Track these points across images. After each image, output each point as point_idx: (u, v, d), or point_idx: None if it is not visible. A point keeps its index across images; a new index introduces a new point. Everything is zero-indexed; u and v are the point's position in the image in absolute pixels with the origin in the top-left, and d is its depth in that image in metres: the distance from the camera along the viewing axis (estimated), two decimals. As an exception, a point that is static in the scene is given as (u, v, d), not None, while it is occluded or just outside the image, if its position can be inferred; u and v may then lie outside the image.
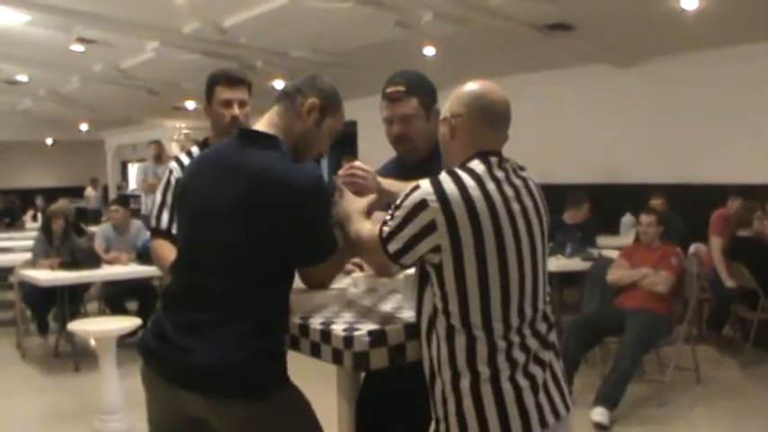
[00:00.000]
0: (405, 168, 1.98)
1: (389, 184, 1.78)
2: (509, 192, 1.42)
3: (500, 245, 1.38)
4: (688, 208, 5.51)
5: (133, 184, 14.75)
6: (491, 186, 1.40)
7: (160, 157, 7.65)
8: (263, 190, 1.49)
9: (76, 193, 13.62)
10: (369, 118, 4.28)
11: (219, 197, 1.52)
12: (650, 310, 3.84)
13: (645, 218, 4.17)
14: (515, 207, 1.41)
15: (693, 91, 6.35)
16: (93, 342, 3.80)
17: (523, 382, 1.39)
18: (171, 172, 2.17)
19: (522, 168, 1.51)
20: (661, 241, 4.14)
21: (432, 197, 1.38)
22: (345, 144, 6.73)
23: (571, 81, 7.23)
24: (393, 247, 1.43)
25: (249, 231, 1.48)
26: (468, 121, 1.49)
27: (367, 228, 1.55)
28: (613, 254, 4.51)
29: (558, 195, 5.51)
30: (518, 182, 1.45)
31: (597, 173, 6.99)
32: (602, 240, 5.40)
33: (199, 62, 6.74)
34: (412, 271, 1.67)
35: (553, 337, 1.48)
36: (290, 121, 1.61)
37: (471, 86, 1.53)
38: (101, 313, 5.36)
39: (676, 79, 6.48)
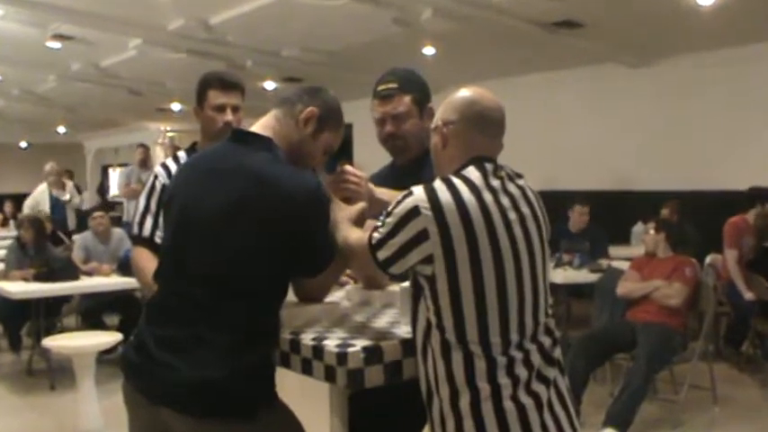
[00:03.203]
0: (398, 173, 1.99)
1: (382, 192, 1.78)
2: (505, 201, 1.43)
3: (496, 255, 1.38)
4: (703, 216, 5.53)
5: (115, 189, 14.75)
6: (487, 195, 1.41)
7: (146, 161, 7.66)
8: (260, 194, 1.49)
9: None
10: (365, 121, 4.28)
11: (210, 201, 1.53)
12: (663, 324, 3.85)
13: (647, 226, 4.21)
14: (512, 216, 1.42)
15: (709, 92, 6.38)
16: (70, 359, 3.79)
17: (527, 401, 1.38)
18: (156, 177, 2.18)
19: (519, 176, 1.52)
20: (674, 251, 4.16)
21: (424, 204, 1.39)
22: (340, 148, 6.72)
23: (578, 82, 7.26)
24: (383, 254, 1.44)
25: (241, 237, 1.49)
26: (460, 128, 1.50)
27: (355, 234, 1.56)
28: (624, 265, 4.52)
29: (562, 203, 5.52)
30: (515, 190, 1.46)
31: (605, 179, 7.02)
32: (611, 251, 5.42)
33: (184, 61, 6.76)
34: (408, 283, 1.67)
35: (558, 353, 1.48)
36: (286, 128, 1.62)
37: (463, 93, 1.55)
38: (79, 328, 5.35)
39: (691, 80, 6.51)
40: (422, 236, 1.38)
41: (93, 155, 15.18)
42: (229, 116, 2.10)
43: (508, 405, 1.37)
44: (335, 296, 1.92)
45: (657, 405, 4.08)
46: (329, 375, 1.44)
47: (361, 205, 1.68)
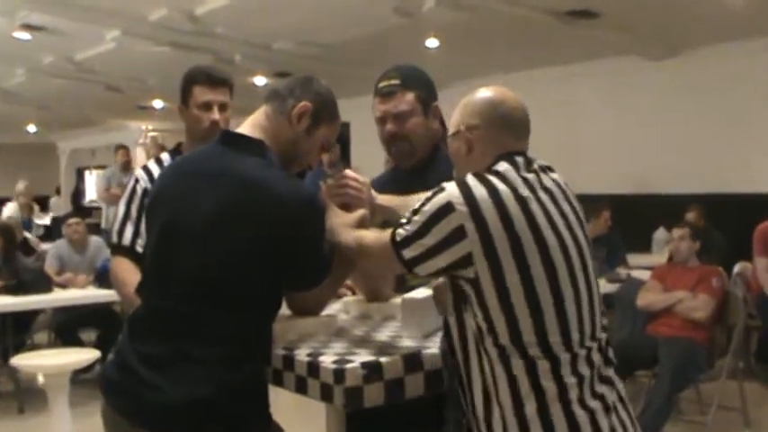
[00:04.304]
0: (401, 177, 2.00)
1: (385, 199, 1.79)
2: (543, 195, 1.45)
3: (543, 250, 1.39)
4: (730, 222, 5.55)
5: (92, 194, 14.77)
6: (524, 189, 1.42)
7: (127, 163, 7.69)
8: (251, 199, 1.51)
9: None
10: (363, 120, 4.29)
11: (197, 207, 1.54)
12: (687, 339, 3.85)
13: (677, 231, 4.20)
14: (552, 209, 1.44)
15: (738, 86, 6.39)
16: (41, 379, 3.80)
17: (594, 404, 1.40)
18: (137, 181, 2.19)
19: (550, 169, 1.54)
20: (699, 260, 4.16)
21: (459, 200, 1.40)
22: (342, 152, 6.76)
23: (595, 76, 7.28)
24: (410, 253, 1.45)
25: (232, 243, 1.50)
26: (486, 132, 1.52)
27: (371, 234, 1.57)
28: (644, 274, 4.53)
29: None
30: (551, 184, 1.49)
31: (624, 182, 7.03)
32: (631, 259, 5.43)
33: (167, 55, 6.79)
34: (411, 294, 1.69)
35: (611, 352, 1.51)
36: (278, 126, 1.63)
37: (484, 93, 1.57)
38: (51, 345, 5.35)
39: (717, 73, 6.52)
40: (457, 234, 1.39)
41: (68, 156, 15.19)
42: (216, 115, 2.11)
43: (578, 410, 1.38)
44: (332, 308, 1.94)
45: (683, 427, 4.07)
46: (325, 394, 1.45)
47: (361, 212, 1.68)
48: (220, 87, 2.14)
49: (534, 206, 1.42)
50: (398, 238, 1.46)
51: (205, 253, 1.52)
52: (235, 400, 1.48)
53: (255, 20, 6.10)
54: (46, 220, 8.03)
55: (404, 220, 1.47)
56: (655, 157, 6.92)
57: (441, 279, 1.58)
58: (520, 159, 1.49)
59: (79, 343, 5.01)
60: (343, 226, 1.64)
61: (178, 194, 1.60)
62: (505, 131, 1.52)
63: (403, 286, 2.05)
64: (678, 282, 4.07)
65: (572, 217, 1.48)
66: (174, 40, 6.57)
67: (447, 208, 1.40)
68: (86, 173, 15.88)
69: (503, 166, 1.46)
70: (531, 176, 1.46)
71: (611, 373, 1.48)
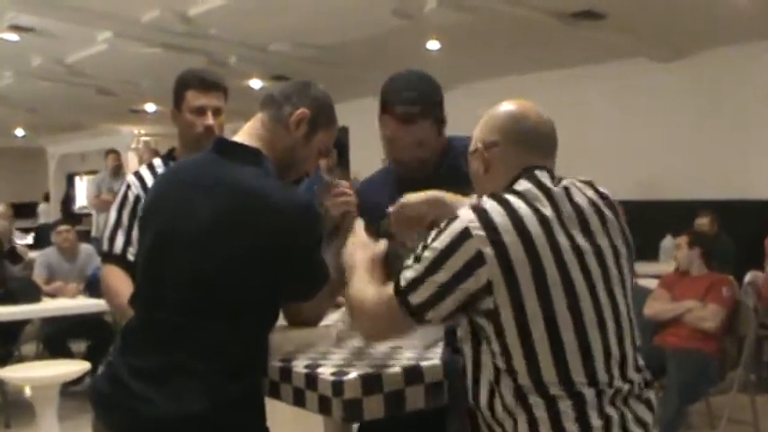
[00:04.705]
0: (404, 172, 1.99)
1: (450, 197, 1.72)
2: (568, 212, 1.38)
3: (564, 276, 1.33)
4: (741, 229, 5.55)
5: (82, 200, 14.78)
6: (546, 209, 1.36)
7: (119, 169, 7.70)
8: (248, 208, 1.52)
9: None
10: (362, 123, 4.31)
11: (193, 216, 1.54)
12: (696, 350, 3.85)
13: (679, 239, 4.22)
14: (575, 229, 1.37)
15: (748, 89, 6.40)
16: (28, 392, 3.79)
17: None
18: (129, 187, 2.19)
19: (587, 184, 1.47)
20: (709, 268, 4.17)
21: (475, 224, 1.33)
22: (339, 157, 6.78)
23: (600, 79, 7.30)
24: (417, 298, 1.36)
25: (229, 251, 1.51)
26: (505, 150, 1.46)
27: (372, 291, 1.46)
28: (652, 283, 4.53)
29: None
30: (582, 201, 1.42)
31: (631, 188, 7.03)
32: (638, 267, 5.40)
33: (160, 57, 6.80)
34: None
35: (650, 393, 1.43)
36: (275, 134, 1.63)
37: (505, 108, 1.50)
38: (40, 356, 5.34)
39: (726, 75, 6.53)
40: (475, 262, 1.32)
41: (57, 161, 15.20)
42: (210, 120, 2.12)
43: None
44: (330, 318, 1.94)
45: (692, 441, 4.07)
46: (324, 406, 1.46)
47: (383, 244, 1.63)
48: (214, 91, 2.15)
49: (557, 226, 1.35)
50: (403, 284, 1.37)
51: (201, 262, 1.53)
52: (231, 414, 1.48)
53: (251, 21, 6.12)
54: (28, 239, 7.98)
55: (409, 261, 1.39)
56: (662, 162, 6.93)
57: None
58: (543, 175, 1.42)
59: (68, 354, 5.00)
60: (364, 266, 1.55)
61: (173, 204, 1.61)
62: (527, 150, 1.45)
63: None
64: (687, 291, 4.07)
65: (603, 241, 1.40)
66: (167, 42, 6.59)
67: (463, 235, 1.33)
68: (76, 178, 15.90)
69: (523, 185, 1.40)
70: (557, 191, 1.40)
71: (648, 416, 1.38)
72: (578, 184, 1.45)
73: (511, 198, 1.37)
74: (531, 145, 1.46)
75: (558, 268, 1.33)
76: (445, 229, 1.36)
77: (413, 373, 1.50)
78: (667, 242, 6.14)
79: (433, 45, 6.55)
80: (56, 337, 5.21)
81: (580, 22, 5.81)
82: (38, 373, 3.80)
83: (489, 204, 1.37)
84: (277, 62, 7.28)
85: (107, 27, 6.50)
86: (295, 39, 6.71)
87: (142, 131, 12.08)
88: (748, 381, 4.21)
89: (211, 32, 6.45)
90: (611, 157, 7.22)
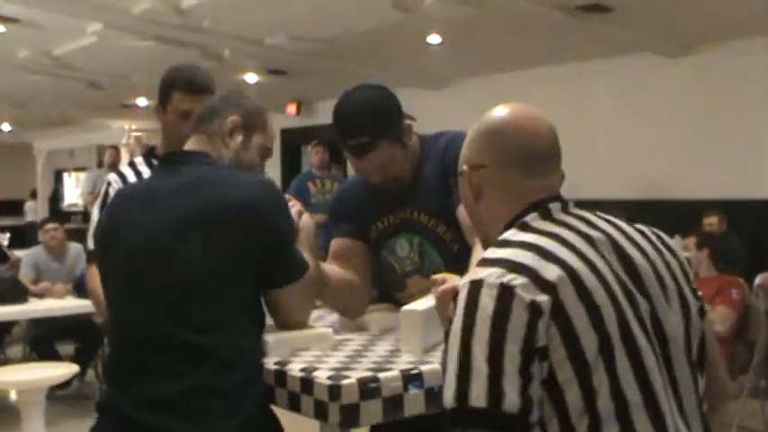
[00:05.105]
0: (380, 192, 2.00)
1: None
2: (602, 246, 1.18)
3: (624, 329, 1.11)
4: (751, 229, 5.55)
5: (71, 197, 14.77)
6: (583, 247, 1.15)
7: (116, 164, 7.71)
8: (213, 198, 1.56)
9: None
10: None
11: (158, 228, 1.56)
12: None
13: (687, 241, 4.22)
14: (617, 264, 1.17)
15: (757, 85, 6.40)
16: (14, 395, 3.79)
17: None
18: (109, 184, 2.25)
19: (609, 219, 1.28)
20: (718, 270, 4.17)
21: (508, 276, 1.09)
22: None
23: (606, 75, 7.31)
24: (510, 404, 1.03)
25: (214, 249, 1.52)
26: (495, 174, 1.27)
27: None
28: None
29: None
30: (611, 229, 1.23)
31: (637, 186, 7.04)
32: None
33: (152, 50, 6.79)
34: (411, 306, 1.69)
35: None
36: (215, 147, 1.71)
37: (492, 121, 1.30)
38: (26, 359, 5.34)
39: (737, 71, 6.53)
40: (534, 315, 1.06)
41: (45, 157, 15.20)
42: None
43: None
44: (327, 320, 1.94)
45: (700, 449, 4.06)
46: (320, 411, 1.46)
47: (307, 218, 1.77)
48: (201, 96, 2.15)
49: (602, 265, 1.14)
50: (477, 403, 1.04)
51: (175, 274, 1.53)
52: (254, 425, 1.51)
53: (246, 13, 6.11)
54: (3, 240, 8.01)
55: (451, 374, 1.10)
56: (670, 160, 6.93)
57: (446, 285, 1.56)
58: (555, 206, 1.24)
59: (56, 357, 5.00)
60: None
61: (133, 222, 1.62)
62: (521, 170, 1.25)
63: (392, 299, 2.07)
64: (695, 293, 4.07)
65: (645, 268, 1.20)
66: (160, 35, 6.58)
67: (505, 293, 1.07)
68: (65, 175, 15.89)
69: (535, 220, 1.21)
70: (583, 227, 1.20)
71: None
72: (598, 214, 1.27)
73: (529, 237, 1.17)
74: (525, 165, 1.26)
75: (615, 311, 1.12)
76: (473, 301, 1.09)
77: (412, 377, 1.50)
78: (675, 243, 6.14)
79: (433, 39, 6.54)
80: (43, 339, 5.21)
81: (586, 15, 5.81)
82: (24, 377, 3.80)
83: (506, 252, 1.14)
84: (273, 56, 7.28)
85: (97, 18, 6.48)
86: (292, 32, 6.70)
87: (134, 127, 12.05)
88: (758, 387, 4.22)
89: (205, 25, 6.44)
90: (618, 154, 7.22)
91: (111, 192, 2.20)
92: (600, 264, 1.15)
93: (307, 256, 1.72)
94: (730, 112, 6.60)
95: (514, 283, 1.08)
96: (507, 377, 1.04)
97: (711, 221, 5.57)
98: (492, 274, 1.10)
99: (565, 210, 1.25)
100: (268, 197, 1.61)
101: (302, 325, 1.73)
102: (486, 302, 1.08)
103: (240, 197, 1.56)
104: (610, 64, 7.18)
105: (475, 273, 1.13)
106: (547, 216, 1.23)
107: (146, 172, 2.23)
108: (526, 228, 1.21)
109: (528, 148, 1.26)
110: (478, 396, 1.05)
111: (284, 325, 1.71)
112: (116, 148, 8.14)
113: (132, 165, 2.28)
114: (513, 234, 1.20)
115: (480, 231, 1.37)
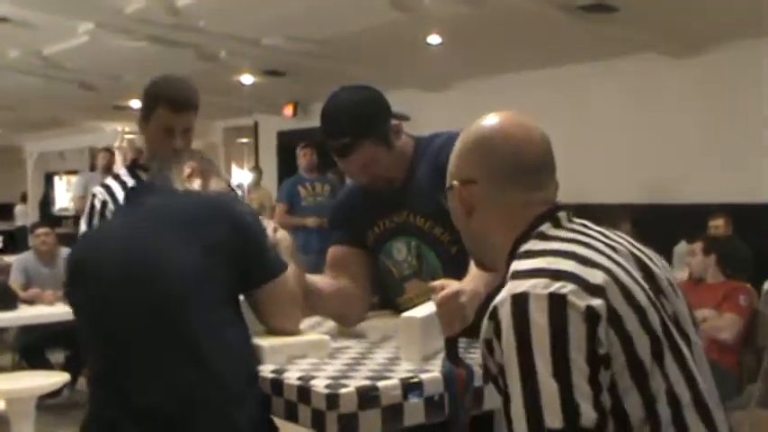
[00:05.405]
0: (376, 188, 2.01)
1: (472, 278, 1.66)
2: (623, 252, 1.19)
3: (664, 327, 1.12)
4: (760, 233, 5.55)
5: (62, 201, 14.76)
6: (611, 252, 1.16)
7: (110, 168, 7.69)
8: (193, 202, 1.68)
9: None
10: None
11: (141, 233, 1.62)
12: (712, 362, 3.81)
13: (694, 246, 4.22)
14: (638, 271, 1.17)
15: (765, 86, 6.40)
16: (3, 405, 3.78)
17: None
18: (94, 196, 2.29)
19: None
20: (725, 275, 4.17)
21: (555, 285, 1.05)
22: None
23: (611, 76, 7.31)
24: (587, 419, 1.00)
25: (193, 249, 1.56)
26: (486, 189, 1.23)
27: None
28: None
29: (591, 218, 5.54)
30: (615, 236, 1.24)
31: (642, 190, 7.05)
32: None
33: (145, 50, 6.80)
34: (411, 313, 1.69)
35: None
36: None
37: (480, 132, 1.26)
38: (15, 367, 5.33)
39: (744, 72, 6.53)
40: (592, 321, 1.03)
41: (35, 160, 15.22)
42: (178, 142, 2.16)
43: None
44: (325, 327, 1.94)
45: (707, 459, 4.06)
46: (317, 421, 1.46)
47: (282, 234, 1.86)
48: (184, 112, 2.18)
49: (631, 269, 1.15)
50: (554, 425, 0.99)
51: (156, 282, 1.55)
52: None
53: (242, 12, 6.11)
54: None
55: (517, 395, 1.03)
56: (676, 164, 6.93)
57: (446, 291, 1.56)
58: (564, 216, 1.22)
59: (46, 364, 5.00)
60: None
61: (102, 255, 1.64)
62: (513, 184, 1.22)
63: (392, 304, 2.07)
64: (701, 299, 4.07)
65: (662, 281, 1.21)
66: (154, 35, 6.59)
67: (556, 304, 1.03)
68: (56, 178, 15.89)
69: (549, 229, 1.19)
70: (599, 238, 1.18)
71: None
72: (602, 228, 1.26)
73: (558, 246, 1.15)
74: (518, 178, 1.22)
75: (657, 319, 1.12)
76: (518, 324, 1.04)
77: (412, 386, 1.50)
78: (681, 248, 6.14)
79: (433, 39, 6.54)
80: (33, 347, 5.20)
81: (590, 15, 5.81)
82: (13, 385, 3.79)
83: (540, 262, 1.11)
84: (270, 56, 7.28)
85: (89, 17, 6.48)
86: (288, 32, 6.71)
87: (127, 129, 12.06)
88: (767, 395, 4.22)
89: (200, 25, 6.45)
90: (623, 157, 7.22)
91: (97, 204, 2.25)
92: (629, 267, 1.15)
93: (290, 267, 1.74)
94: (737, 113, 6.61)
95: (564, 291, 1.04)
96: (578, 390, 1.00)
97: (717, 224, 5.56)
98: (536, 285, 1.05)
99: (570, 219, 1.24)
100: (234, 200, 1.81)
101: (293, 332, 1.73)
102: (539, 316, 1.03)
103: (207, 200, 1.70)
104: (614, 65, 7.18)
105: (513, 287, 1.08)
106: (559, 225, 1.21)
107: (130, 182, 2.26)
108: (547, 237, 1.18)
109: (518, 159, 1.22)
110: (552, 417, 1.00)
111: (273, 329, 1.71)
112: (110, 151, 8.13)
113: (117, 177, 2.33)
114: (535, 244, 1.17)
115: (471, 248, 1.33)
